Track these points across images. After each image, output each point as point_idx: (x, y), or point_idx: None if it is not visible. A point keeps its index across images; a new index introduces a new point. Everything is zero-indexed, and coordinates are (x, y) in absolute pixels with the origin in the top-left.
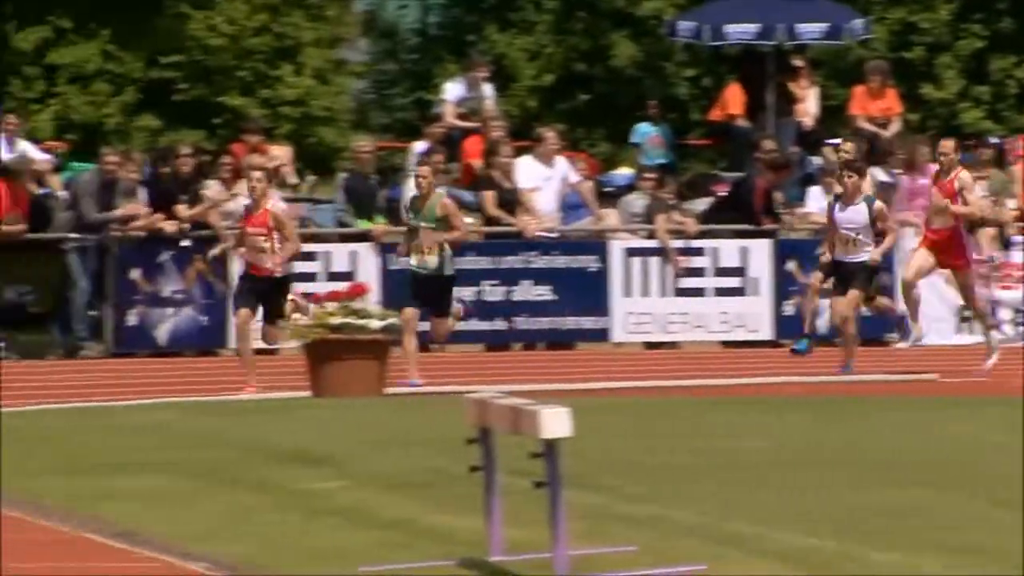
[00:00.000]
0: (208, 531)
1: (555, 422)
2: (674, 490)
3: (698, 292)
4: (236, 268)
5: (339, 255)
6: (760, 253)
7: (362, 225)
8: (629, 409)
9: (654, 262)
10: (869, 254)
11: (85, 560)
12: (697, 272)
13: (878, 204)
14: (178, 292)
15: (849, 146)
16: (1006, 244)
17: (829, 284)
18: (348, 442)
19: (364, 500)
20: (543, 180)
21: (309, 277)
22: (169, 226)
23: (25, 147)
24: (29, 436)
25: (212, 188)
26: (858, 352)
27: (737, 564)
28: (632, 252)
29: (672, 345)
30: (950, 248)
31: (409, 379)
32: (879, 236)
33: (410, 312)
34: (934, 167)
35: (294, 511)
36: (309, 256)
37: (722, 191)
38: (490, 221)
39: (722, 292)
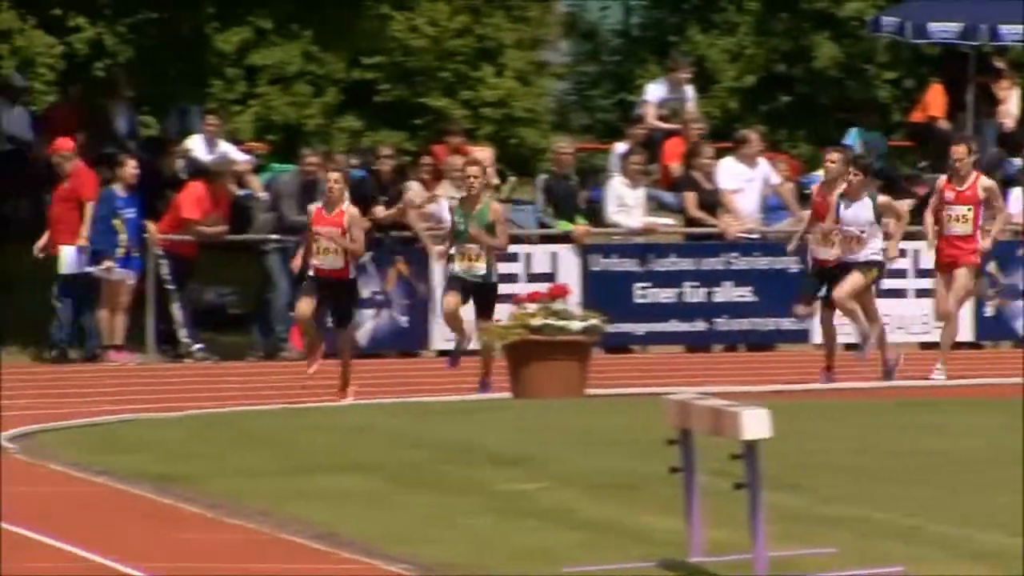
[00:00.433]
0: (409, 532)
1: (755, 423)
2: (874, 491)
3: (899, 293)
4: (437, 270)
5: (540, 256)
6: None
7: (562, 226)
8: (829, 411)
9: None
10: (874, 250)
11: (284, 561)
12: (898, 274)
13: (882, 198)
14: (378, 294)
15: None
16: None
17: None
18: (549, 443)
19: (565, 501)
20: (745, 181)
21: (510, 278)
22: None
23: (226, 148)
24: (228, 437)
25: (412, 189)
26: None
27: (937, 565)
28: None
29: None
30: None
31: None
32: (887, 234)
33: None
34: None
35: (495, 512)
36: (510, 257)
37: (923, 192)
38: (691, 222)
39: (922, 293)
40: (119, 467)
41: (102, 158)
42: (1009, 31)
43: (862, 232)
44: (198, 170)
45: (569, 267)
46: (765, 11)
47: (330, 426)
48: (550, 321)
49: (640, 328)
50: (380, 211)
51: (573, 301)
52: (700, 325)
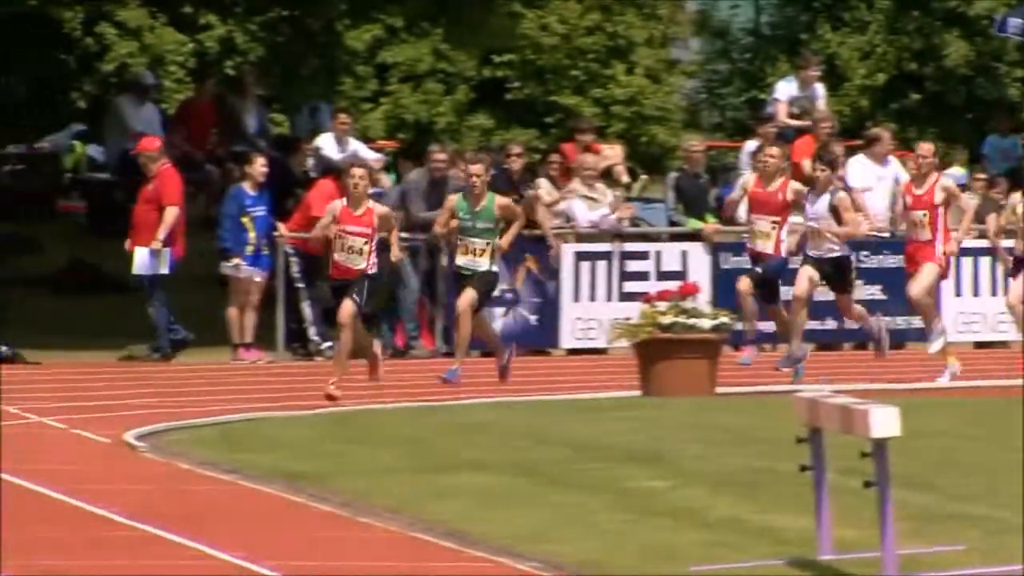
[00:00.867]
0: (538, 531)
1: (885, 421)
2: (1003, 490)
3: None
4: (567, 267)
5: (670, 254)
6: None
7: (692, 224)
8: (958, 409)
9: (984, 262)
10: (835, 247)
11: (413, 560)
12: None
13: (840, 195)
14: (508, 291)
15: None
16: None
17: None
18: (677, 441)
19: (693, 499)
20: (875, 180)
21: (640, 276)
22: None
23: (356, 146)
24: (358, 436)
25: (541, 187)
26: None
27: None
28: (963, 252)
29: (1002, 344)
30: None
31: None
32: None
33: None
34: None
35: (624, 510)
36: (640, 255)
37: None
38: None
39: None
40: (249, 465)
41: (232, 156)
42: None
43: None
44: (328, 168)
45: (699, 265)
46: (896, 9)
47: (459, 424)
48: (680, 319)
49: (770, 326)
50: None
51: (703, 299)
52: (830, 323)
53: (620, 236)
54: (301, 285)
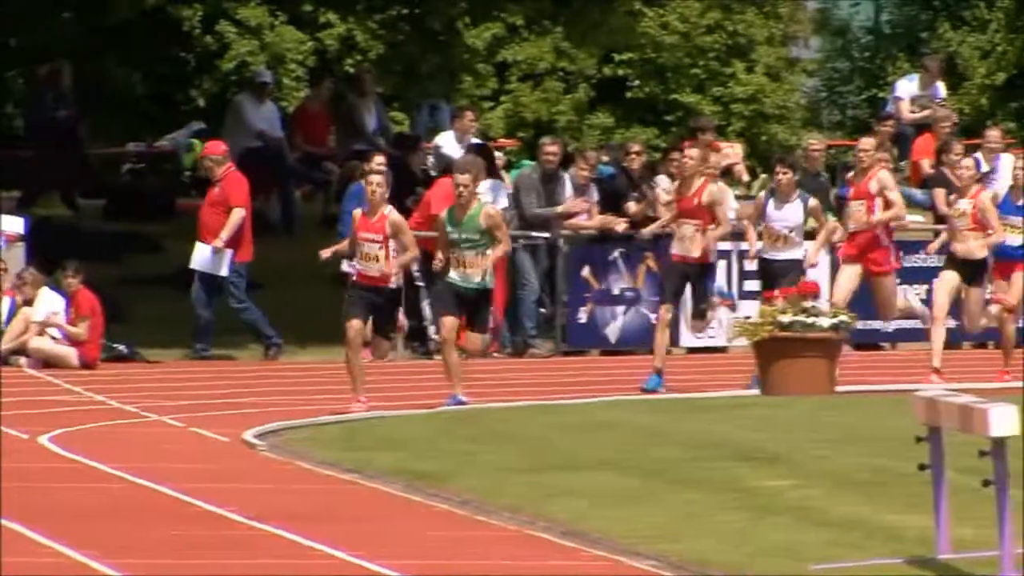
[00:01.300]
0: (657, 529)
1: (1004, 420)
2: None
3: None
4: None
5: None
6: None
7: (812, 223)
8: None
9: None
10: (800, 252)
11: (532, 559)
12: None
13: (813, 201)
14: (628, 290)
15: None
16: None
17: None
18: (797, 440)
19: (812, 498)
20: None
21: (753, 276)
22: (619, 224)
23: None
24: (477, 434)
25: (661, 185)
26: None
27: None
28: None
29: None
30: (871, 254)
31: (451, 394)
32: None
33: (450, 322)
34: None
35: (743, 509)
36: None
37: None
38: (941, 219)
39: None
40: (368, 465)
41: (351, 154)
42: None
43: (790, 232)
44: (448, 167)
45: (819, 265)
46: (1016, 8)
47: (578, 423)
48: (799, 318)
49: (890, 325)
50: (631, 207)
51: (823, 298)
52: (950, 322)
53: (739, 235)
54: (421, 284)
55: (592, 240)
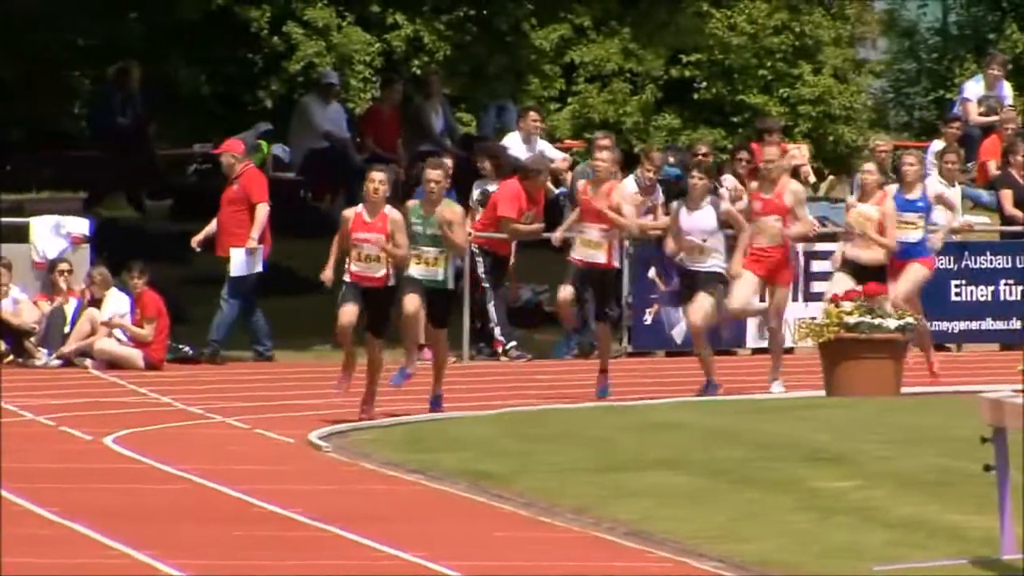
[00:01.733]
0: (721, 530)
1: None
2: None
3: None
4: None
5: None
6: None
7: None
8: None
9: None
10: (719, 261)
11: (596, 560)
12: None
13: (725, 206)
14: None
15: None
16: None
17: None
18: (862, 441)
19: (877, 499)
20: None
21: (826, 276)
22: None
23: (543, 146)
24: (542, 435)
25: (726, 183)
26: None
27: None
28: None
29: None
30: (777, 266)
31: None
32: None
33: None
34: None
35: (807, 510)
36: (826, 255)
37: None
38: (1007, 221)
39: None
40: (432, 466)
41: (418, 156)
42: None
43: (704, 241)
44: (515, 168)
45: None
46: None
47: (642, 424)
48: (866, 319)
49: (956, 326)
50: None
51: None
52: (1015, 323)
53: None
54: (487, 285)
55: (659, 240)
